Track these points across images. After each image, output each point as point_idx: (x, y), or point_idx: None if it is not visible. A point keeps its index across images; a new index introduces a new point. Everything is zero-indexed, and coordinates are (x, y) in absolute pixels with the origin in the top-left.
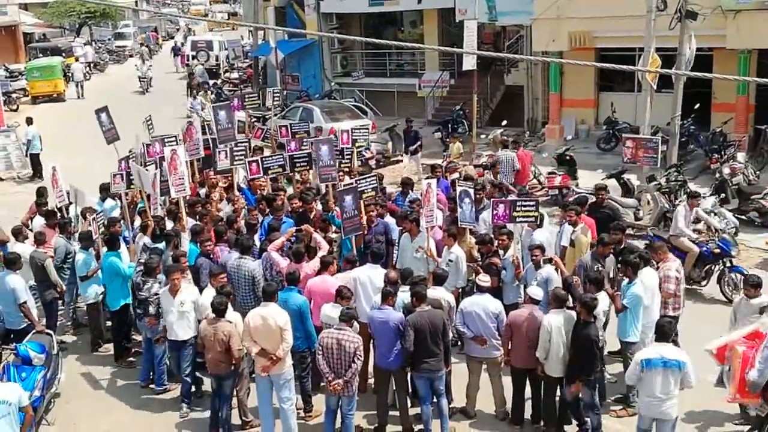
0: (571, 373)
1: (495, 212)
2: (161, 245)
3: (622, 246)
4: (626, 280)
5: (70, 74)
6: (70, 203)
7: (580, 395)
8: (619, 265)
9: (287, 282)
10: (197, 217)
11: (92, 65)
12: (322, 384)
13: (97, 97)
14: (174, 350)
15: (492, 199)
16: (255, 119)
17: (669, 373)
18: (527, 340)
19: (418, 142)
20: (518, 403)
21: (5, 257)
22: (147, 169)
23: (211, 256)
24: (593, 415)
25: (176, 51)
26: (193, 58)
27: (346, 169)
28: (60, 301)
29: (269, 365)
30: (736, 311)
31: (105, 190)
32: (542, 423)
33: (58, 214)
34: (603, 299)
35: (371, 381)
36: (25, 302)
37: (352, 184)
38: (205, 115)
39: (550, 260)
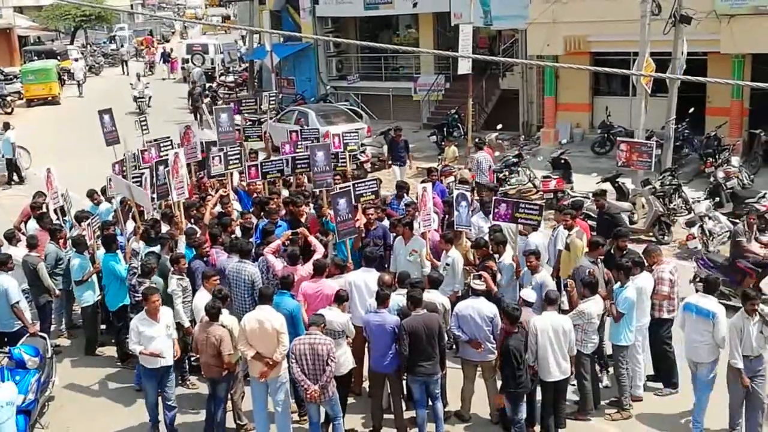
0: (502, 384)
1: (496, 210)
2: (156, 248)
3: (624, 252)
4: (618, 284)
5: (72, 72)
6: (64, 206)
7: (505, 407)
8: (612, 269)
9: (281, 286)
10: (192, 220)
11: (88, 68)
12: None
13: (91, 100)
14: (157, 378)
15: (494, 198)
16: (250, 122)
17: (701, 320)
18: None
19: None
20: None
21: None
22: (142, 173)
23: (206, 259)
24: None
25: (166, 57)
26: (186, 62)
27: (342, 172)
28: (53, 299)
29: (267, 371)
30: (743, 330)
31: (91, 196)
32: (535, 427)
33: (54, 217)
34: (598, 303)
35: (365, 385)
36: (17, 303)
37: (347, 187)
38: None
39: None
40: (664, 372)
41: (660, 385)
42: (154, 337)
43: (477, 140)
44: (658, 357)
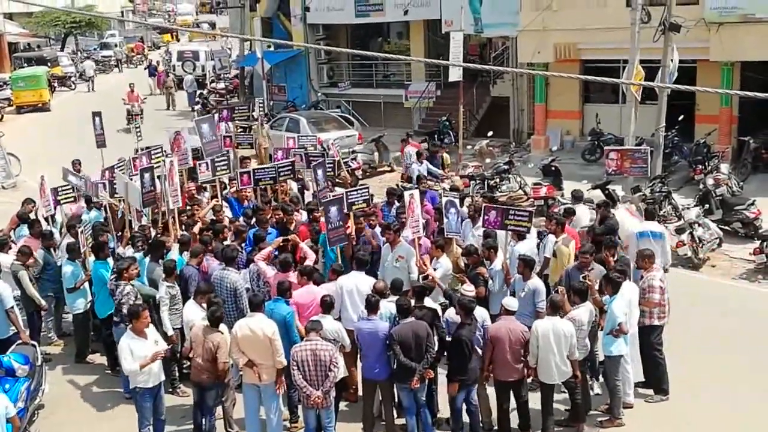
0: (449, 373)
1: (486, 218)
2: (139, 255)
3: (615, 259)
4: (606, 296)
5: (82, 70)
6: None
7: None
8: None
9: (277, 292)
10: (183, 227)
11: (78, 75)
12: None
13: (82, 107)
14: (153, 396)
15: (484, 205)
16: (241, 129)
17: (656, 240)
18: (511, 353)
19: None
20: (504, 415)
21: None
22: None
23: (198, 267)
24: (471, 414)
25: (152, 70)
26: (171, 69)
27: (339, 181)
28: (43, 313)
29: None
30: None
31: (89, 202)
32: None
33: (44, 225)
34: (588, 310)
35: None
36: (12, 307)
37: (340, 195)
38: None
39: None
40: (655, 379)
41: (650, 391)
42: (147, 355)
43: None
44: (648, 363)
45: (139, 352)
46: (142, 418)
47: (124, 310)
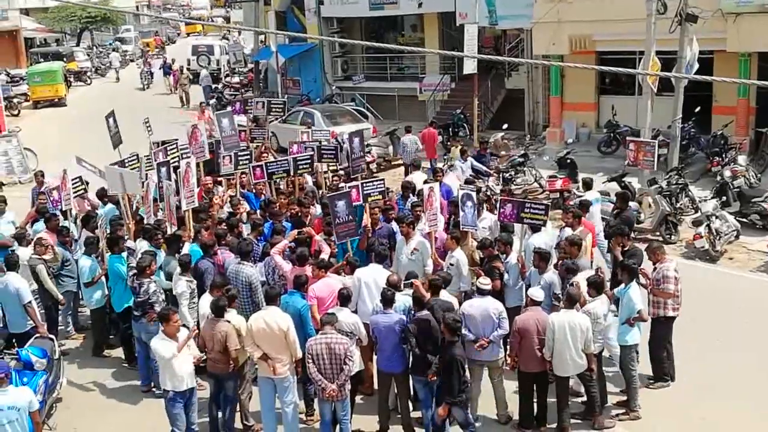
0: (439, 394)
1: (502, 211)
2: (154, 249)
3: (625, 248)
4: (621, 284)
5: (108, 62)
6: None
7: (454, 416)
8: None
9: (294, 285)
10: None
11: (94, 70)
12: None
13: (98, 102)
14: (184, 400)
15: (501, 197)
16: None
17: (604, 205)
18: (539, 344)
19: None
20: (527, 408)
21: (5, 259)
22: (147, 173)
23: (212, 260)
24: None
25: (167, 69)
26: (186, 65)
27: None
28: (60, 307)
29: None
30: None
31: (101, 197)
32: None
33: (61, 218)
34: (604, 302)
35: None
36: (30, 302)
37: (347, 189)
38: None
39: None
40: (661, 367)
41: (661, 382)
42: (172, 361)
43: (407, 126)
44: (659, 355)
45: (167, 354)
46: (176, 424)
47: (156, 308)
